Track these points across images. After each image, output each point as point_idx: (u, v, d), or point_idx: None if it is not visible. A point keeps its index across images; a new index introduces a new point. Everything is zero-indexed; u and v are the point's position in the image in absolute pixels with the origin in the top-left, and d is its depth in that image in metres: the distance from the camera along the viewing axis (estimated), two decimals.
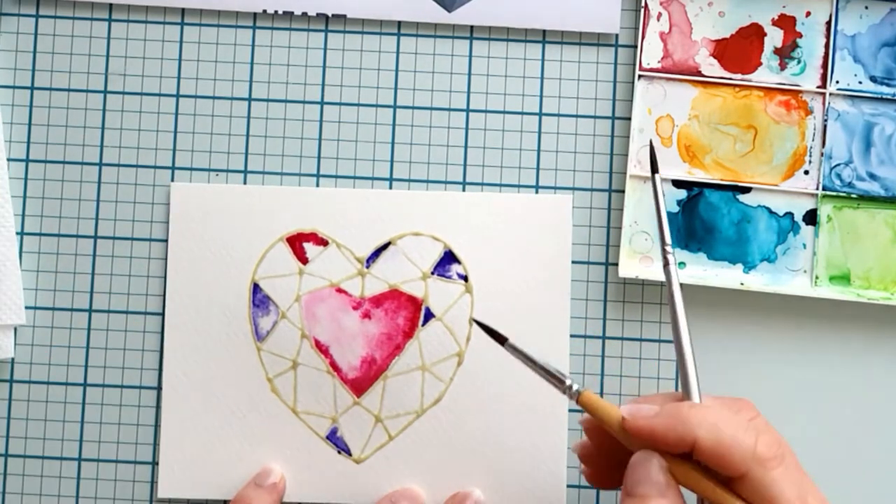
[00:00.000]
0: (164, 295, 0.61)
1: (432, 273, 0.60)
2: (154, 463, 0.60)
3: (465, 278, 0.60)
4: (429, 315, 0.60)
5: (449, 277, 0.60)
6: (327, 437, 0.60)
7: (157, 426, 0.61)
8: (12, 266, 0.60)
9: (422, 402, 0.60)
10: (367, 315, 0.60)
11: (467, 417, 0.60)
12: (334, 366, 0.60)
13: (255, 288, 0.60)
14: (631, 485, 0.48)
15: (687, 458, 0.48)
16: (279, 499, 0.59)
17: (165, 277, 0.61)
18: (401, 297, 0.60)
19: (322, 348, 0.60)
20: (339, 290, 0.60)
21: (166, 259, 0.61)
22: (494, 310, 0.60)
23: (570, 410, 0.60)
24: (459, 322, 0.60)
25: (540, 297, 0.60)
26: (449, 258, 0.60)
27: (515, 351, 0.52)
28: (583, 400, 0.50)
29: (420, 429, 0.60)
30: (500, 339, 0.52)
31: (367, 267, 0.60)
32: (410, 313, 0.60)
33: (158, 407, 0.61)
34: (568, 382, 0.51)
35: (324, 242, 0.61)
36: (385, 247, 0.61)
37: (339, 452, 0.60)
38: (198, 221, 0.61)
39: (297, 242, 0.61)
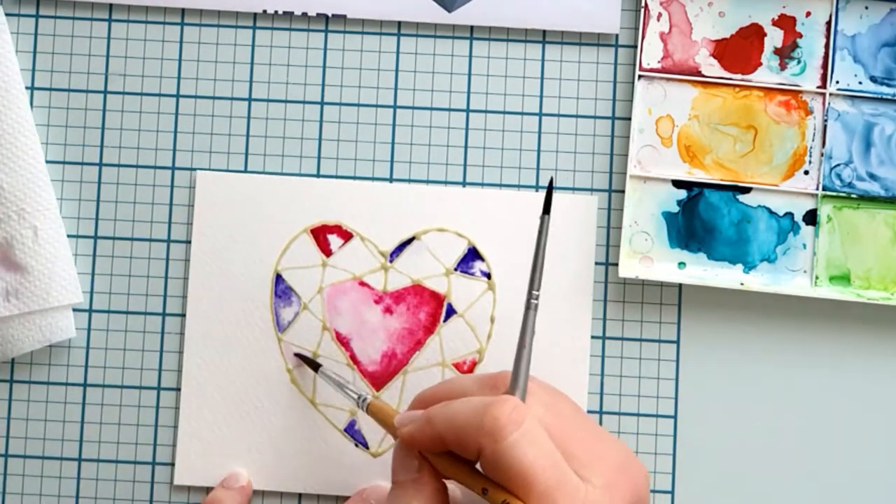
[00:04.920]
0: (164, 294, 0.61)
1: (455, 269, 0.61)
2: (154, 463, 0.60)
3: (489, 275, 0.61)
4: (451, 311, 0.60)
5: (472, 274, 0.60)
6: (345, 430, 0.60)
7: (156, 426, 0.61)
8: (63, 247, 0.60)
9: None
10: (388, 309, 0.60)
11: None
12: (354, 359, 0.60)
13: (278, 279, 0.60)
14: (392, 472, 0.50)
15: (453, 454, 0.48)
16: (248, 501, 0.59)
17: (167, 276, 0.61)
18: (423, 292, 0.60)
19: (343, 341, 0.60)
20: (362, 284, 0.61)
21: (167, 258, 0.61)
22: (517, 307, 0.60)
23: (589, 412, 0.60)
24: (481, 319, 0.60)
25: (563, 297, 0.60)
26: (472, 255, 0.61)
27: (328, 375, 0.58)
28: (370, 409, 0.54)
29: None
30: (315, 365, 0.59)
31: (391, 261, 0.61)
32: (432, 309, 0.60)
33: (158, 407, 0.61)
34: (362, 396, 0.55)
35: (348, 235, 0.61)
36: (409, 242, 0.61)
37: (356, 445, 0.60)
38: (222, 211, 0.61)
39: (321, 234, 0.61)
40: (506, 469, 0.45)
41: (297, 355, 0.60)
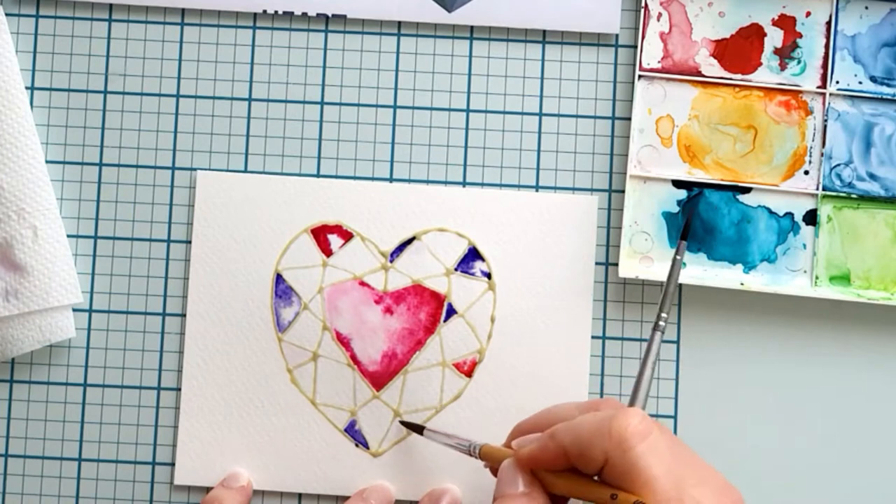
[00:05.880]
0: (164, 294, 0.61)
1: (456, 269, 0.61)
2: (154, 463, 0.61)
3: (489, 276, 0.61)
4: (451, 311, 0.60)
5: (472, 274, 0.60)
6: (345, 430, 0.60)
7: (156, 426, 0.61)
8: (63, 247, 0.60)
9: (441, 397, 0.60)
10: (389, 309, 0.60)
11: (486, 414, 0.60)
12: (355, 359, 0.60)
13: (279, 278, 0.61)
14: (498, 488, 0.50)
15: (571, 470, 0.49)
16: (248, 500, 0.59)
17: (167, 276, 0.61)
18: (423, 292, 0.61)
19: (343, 341, 0.60)
20: (362, 284, 0.61)
21: (167, 258, 0.61)
22: (517, 308, 0.60)
23: None
24: (481, 319, 0.60)
25: (563, 297, 0.60)
26: (473, 255, 0.61)
27: (434, 433, 0.58)
28: (482, 453, 0.54)
29: (438, 424, 0.60)
30: (419, 429, 0.59)
31: (391, 261, 0.61)
32: (433, 309, 0.60)
33: (158, 407, 0.61)
34: (473, 444, 0.55)
35: (348, 235, 0.61)
36: (409, 241, 0.61)
37: (356, 445, 0.60)
38: (222, 211, 0.61)
39: (321, 234, 0.61)
40: (634, 478, 0.45)
41: (402, 422, 0.60)
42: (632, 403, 0.51)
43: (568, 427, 0.48)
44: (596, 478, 0.47)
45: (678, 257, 0.55)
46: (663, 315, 0.53)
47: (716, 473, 0.49)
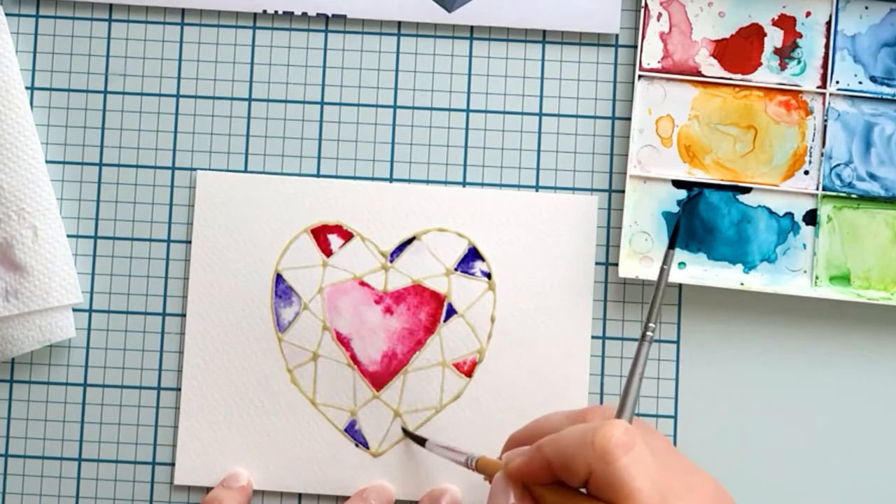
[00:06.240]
0: (164, 294, 0.61)
1: (456, 269, 0.61)
2: (154, 463, 0.61)
3: (489, 276, 0.61)
4: (451, 311, 0.60)
5: (472, 274, 0.60)
6: (345, 430, 0.60)
7: (156, 426, 0.61)
8: (63, 247, 0.60)
9: (441, 397, 0.60)
10: (389, 309, 0.60)
11: (486, 414, 0.60)
12: (355, 359, 0.60)
13: (278, 278, 0.61)
14: (490, 501, 0.50)
15: (560, 483, 0.48)
16: (248, 500, 0.60)
17: (167, 276, 0.61)
18: (423, 292, 0.61)
19: (343, 341, 0.61)
20: (362, 284, 0.61)
21: (167, 258, 0.61)
22: (517, 308, 0.60)
23: None
24: (481, 319, 0.60)
25: (563, 297, 0.60)
26: (473, 255, 0.61)
27: (435, 446, 0.58)
28: (478, 465, 0.53)
29: (438, 424, 0.60)
30: (421, 440, 0.58)
31: (391, 261, 0.61)
32: (433, 309, 0.60)
33: (158, 407, 0.61)
34: (470, 456, 0.54)
35: (348, 235, 0.61)
36: (409, 242, 0.61)
37: (356, 445, 0.60)
38: (222, 211, 0.61)
39: (321, 234, 0.61)
40: (617, 490, 0.45)
41: (405, 432, 0.60)
42: (619, 415, 0.50)
43: (552, 440, 0.48)
44: (584, 490, 0.47)
45: (665, 267, 0.54)
46: (651, 325, 0.52)
47: (709, 481, 0.49)
